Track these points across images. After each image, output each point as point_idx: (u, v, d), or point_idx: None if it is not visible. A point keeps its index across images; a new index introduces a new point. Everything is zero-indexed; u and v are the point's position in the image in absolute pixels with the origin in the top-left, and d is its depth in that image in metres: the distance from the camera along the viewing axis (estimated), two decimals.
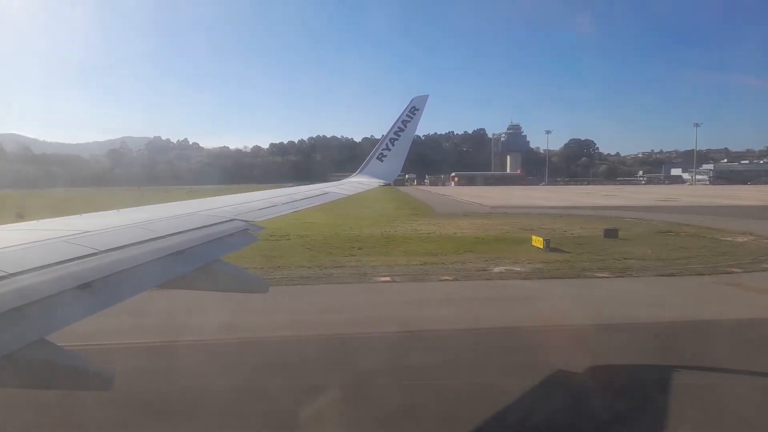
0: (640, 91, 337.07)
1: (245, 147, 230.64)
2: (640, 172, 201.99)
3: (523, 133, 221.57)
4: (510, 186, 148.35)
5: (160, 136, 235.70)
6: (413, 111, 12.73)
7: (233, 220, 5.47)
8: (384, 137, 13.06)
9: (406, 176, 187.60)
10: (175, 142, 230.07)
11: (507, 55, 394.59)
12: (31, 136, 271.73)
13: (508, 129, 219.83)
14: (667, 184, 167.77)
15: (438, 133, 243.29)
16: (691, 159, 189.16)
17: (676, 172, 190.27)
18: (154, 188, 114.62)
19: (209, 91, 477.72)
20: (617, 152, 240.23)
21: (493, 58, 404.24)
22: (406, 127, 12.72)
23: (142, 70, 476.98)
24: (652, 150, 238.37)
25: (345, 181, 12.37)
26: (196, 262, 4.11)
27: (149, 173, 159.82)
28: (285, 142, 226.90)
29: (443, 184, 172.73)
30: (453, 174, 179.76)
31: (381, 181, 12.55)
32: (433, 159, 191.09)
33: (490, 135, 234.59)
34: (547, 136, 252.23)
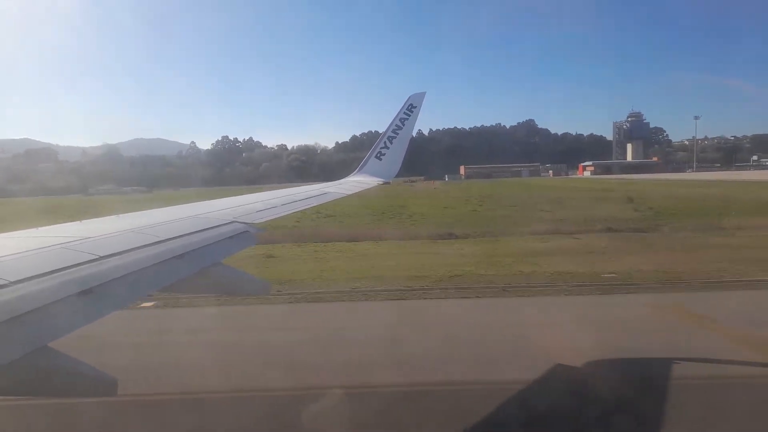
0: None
1: (317, 143, 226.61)
2: (755, 157, 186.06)
3: (645, 121, 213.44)
4: (666, 174, 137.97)
5: (227, 136, 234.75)
6: (411, 108, 12.74)
7: (232, 222, 5.49)
8: (382, 135, 13.08)
9: (549, 167, 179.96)
10: (242, 140, 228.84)
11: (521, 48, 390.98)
12: (44, 140, 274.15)
13: (629, 117, 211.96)
14: None
15: (485, 125, 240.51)
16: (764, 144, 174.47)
17: None
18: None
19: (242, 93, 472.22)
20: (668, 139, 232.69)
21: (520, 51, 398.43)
22: (404, 125, 12.73)
23: (148, 68, 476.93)
24: (694, 136, 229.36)
25: (344, 180, 12.38)
26: (196, 266, 4.13)
27: (236, 172, 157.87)
28: (358, 134, 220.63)
29: (566, 174, 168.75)
30: (589, 163, 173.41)
31: (380, 180, 12.56)
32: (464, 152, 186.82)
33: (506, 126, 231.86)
34: (695, 123, 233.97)
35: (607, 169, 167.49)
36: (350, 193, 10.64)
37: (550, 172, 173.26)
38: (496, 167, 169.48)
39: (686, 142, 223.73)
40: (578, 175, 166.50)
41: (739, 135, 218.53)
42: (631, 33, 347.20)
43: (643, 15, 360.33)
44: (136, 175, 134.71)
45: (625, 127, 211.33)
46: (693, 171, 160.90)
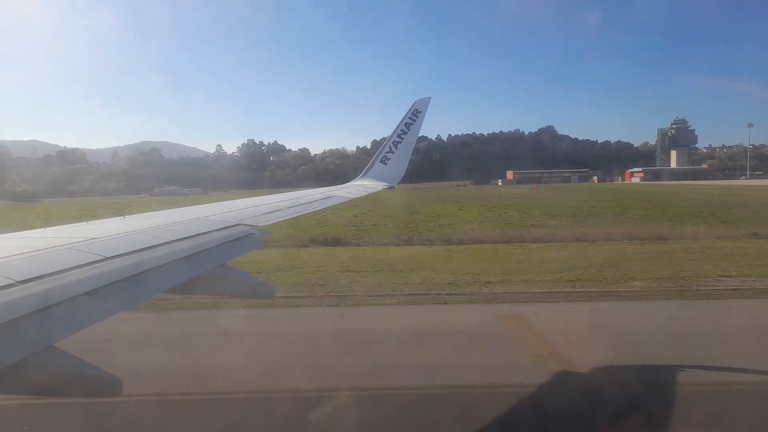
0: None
1: (343, 147, 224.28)
2: None
3: (690, 128, 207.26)
4: (726, 180, 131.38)
5: (253, 139, 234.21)
6: (416, 113, 12.75)
7: (238, 224, 5.49)
8: (387, 140, 13.08)
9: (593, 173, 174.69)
10: (267, 144, 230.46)
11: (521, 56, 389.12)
12: (52, 142, 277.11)
13: (673, 124, 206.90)
14: None
15: (503, 131, 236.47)
16: None
17: None
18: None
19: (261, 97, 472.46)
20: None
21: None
22: (409, 129, 12.73)
23: (157, 75, 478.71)
24: (710, 144, 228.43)
25: (349, 184, 12.38)
26: (201, 268, 4.13)
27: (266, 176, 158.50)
28: (378, 138, 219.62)
29: (610, 180, 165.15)
30: (638, 170, 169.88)
31: (385, 184, 12.54)
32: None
33: (526, 132, 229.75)
34: (748, 130, 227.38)
35: (657, 176, 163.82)
36: (355, 196, 10.63)
37: (595, 178, 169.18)
38: (544, 172, 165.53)
39: (704, 150, 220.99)
40: (625, 180, 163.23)
41: (756, 143, 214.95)
42: (645, 39, 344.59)
43: (656, 22, 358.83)
44: (178, 177, 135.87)
45: (670, 134, 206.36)
46: (746, 178, 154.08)
